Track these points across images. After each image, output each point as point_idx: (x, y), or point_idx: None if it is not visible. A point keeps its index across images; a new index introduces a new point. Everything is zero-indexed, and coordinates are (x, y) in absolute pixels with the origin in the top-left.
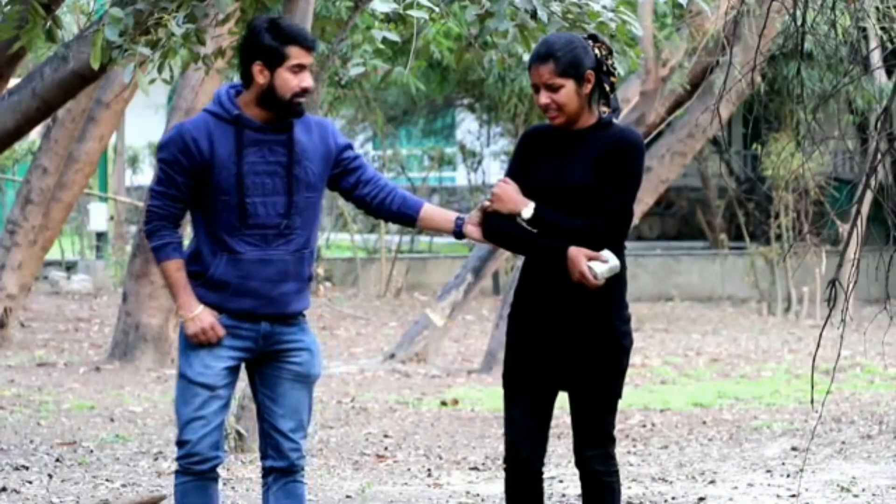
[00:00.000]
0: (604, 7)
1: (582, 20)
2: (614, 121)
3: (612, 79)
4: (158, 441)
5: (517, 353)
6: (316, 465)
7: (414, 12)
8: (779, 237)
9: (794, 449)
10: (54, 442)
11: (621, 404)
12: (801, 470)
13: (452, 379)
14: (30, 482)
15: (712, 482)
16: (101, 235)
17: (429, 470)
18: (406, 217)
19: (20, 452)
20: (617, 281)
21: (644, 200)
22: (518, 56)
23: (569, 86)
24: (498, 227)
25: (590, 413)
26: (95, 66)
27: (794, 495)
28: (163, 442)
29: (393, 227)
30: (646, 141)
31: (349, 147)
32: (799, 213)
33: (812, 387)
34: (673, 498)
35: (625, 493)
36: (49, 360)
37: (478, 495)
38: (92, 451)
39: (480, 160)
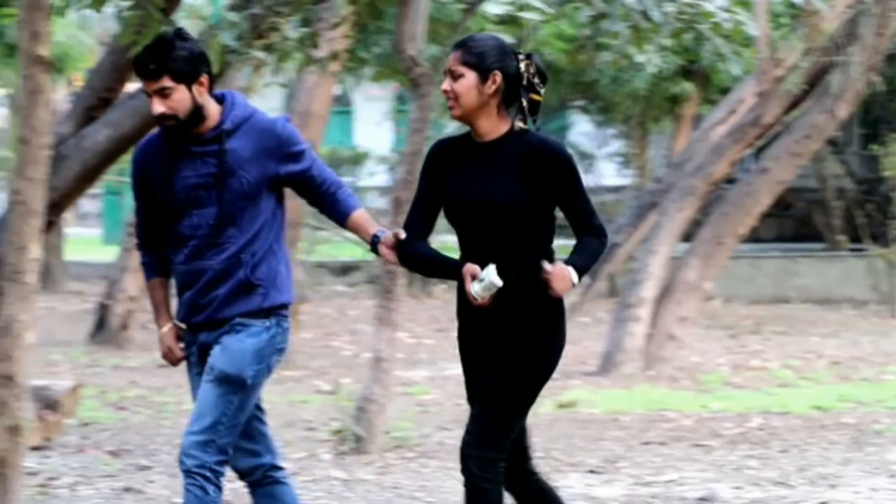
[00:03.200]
0: (718, 7)
1: (696, 21)
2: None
3: (534, 96)
4: (278, 441)
5: (467, 371)
6: (433, 468)
7: (526, 14)
8: None
9: None
10: (176, 442)
11: (725, 406)
12: None
13: (568, 381)
14: (152, 482)
15: (834, 487)
16: None
17: (546, 472)
18: (336, 221)
19: (143, 453)
20: (554, 300)
21: (761, 202)
22: (631, 57)
23: (469, 77)
24: (411, 254)
25: (488, 411)
26: (212, 70)
27: None
28: (282, 442)
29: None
30: (763, 143)
31: (300, 155)
32: None
33: None
34: (794, 502)
35: (745, 496)
36: None
37: (595, 498)
38: None
39: (594, 162)
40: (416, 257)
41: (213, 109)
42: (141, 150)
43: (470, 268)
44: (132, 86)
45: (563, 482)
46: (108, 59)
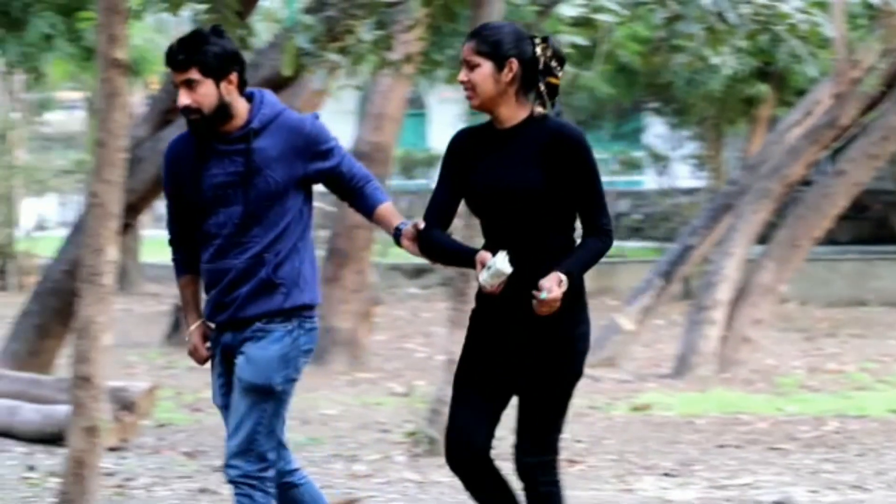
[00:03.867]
0: (794, 8)
1: (772, 22)
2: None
3: (552, 80)
4: (352, 444)
5: (470, 351)
6: (507, 470)
7: (601, 16)
8: None
9: None
10: None
11: (801, 409)
12: None
13: (643, 384)
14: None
15: None
16: None
17: (620, 475)
18: (363, 215)
19: (218, 454)
20: (570, 284)
21: (838, 204)
22: (706, 59)
23: (485, 66)
24: (429, 243)
25: (535, 416)
26: (287, 72)
27: None
28: (356, 444)
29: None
30: (839, 145)
31: (329, 153)
32: None
33: None
34: None
35: (821, 500)
36: None
37: (670, 501)
38: None
39: (669, 164)
40: (435, 246)
41: (241, 108)
42: (171, 148)
43: (482, 255)
44: None
45: (638, 485)
46: None
